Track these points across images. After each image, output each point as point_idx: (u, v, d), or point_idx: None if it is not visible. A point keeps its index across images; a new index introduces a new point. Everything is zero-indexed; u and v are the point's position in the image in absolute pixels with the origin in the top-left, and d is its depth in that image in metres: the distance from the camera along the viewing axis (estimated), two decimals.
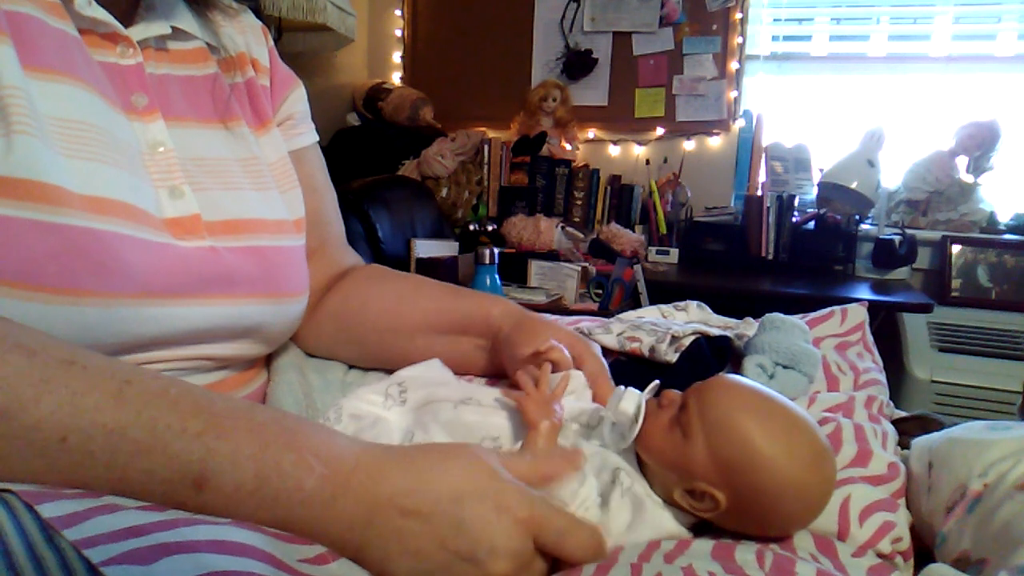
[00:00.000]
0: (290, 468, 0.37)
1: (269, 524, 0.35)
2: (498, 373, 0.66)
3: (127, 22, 0.55)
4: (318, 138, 0.74)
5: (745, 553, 0.41)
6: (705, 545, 0.43)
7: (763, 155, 2.50)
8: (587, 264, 2.17)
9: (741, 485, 0.44)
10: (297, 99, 0.70)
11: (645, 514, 0.45)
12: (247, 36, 0.66)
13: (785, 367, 0.64)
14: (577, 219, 2.56)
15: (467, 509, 0.38)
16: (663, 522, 0.46)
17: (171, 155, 0.54)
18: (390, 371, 0.67)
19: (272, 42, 0.70)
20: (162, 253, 0.49)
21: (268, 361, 0.66)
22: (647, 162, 2.63)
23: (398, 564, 0.38)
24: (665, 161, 2.60)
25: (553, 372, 0.56)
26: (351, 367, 0.70)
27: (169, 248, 0.50)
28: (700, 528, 0.48)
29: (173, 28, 0.58)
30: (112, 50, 0.53)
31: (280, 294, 0.59)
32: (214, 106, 0.60)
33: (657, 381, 0.52)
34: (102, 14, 0.52)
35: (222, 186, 0.57)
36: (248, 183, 0.60)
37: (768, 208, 2.31)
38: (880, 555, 0.46)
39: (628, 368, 0.70)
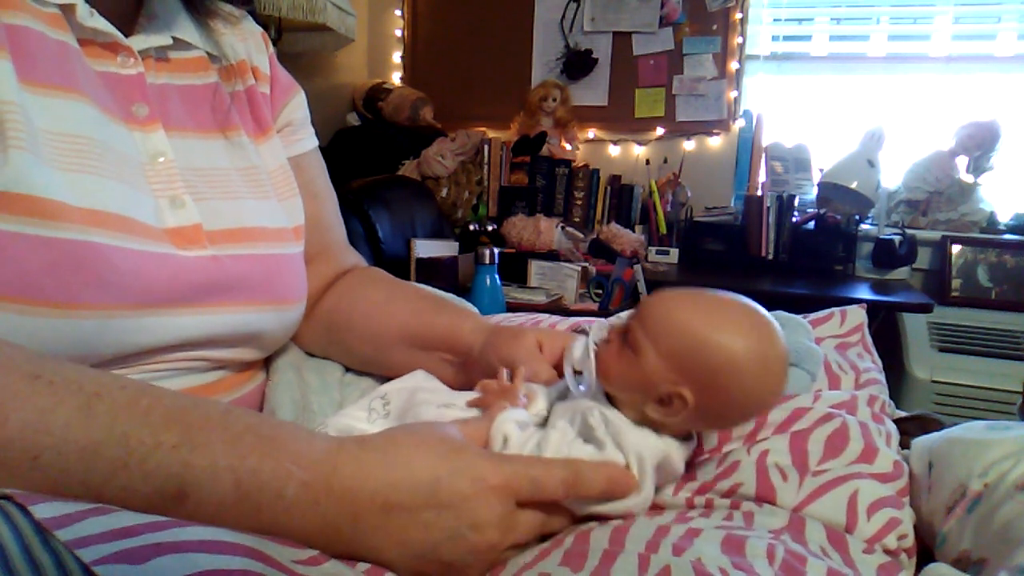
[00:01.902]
0: (269, 477, 0.37)
1: (256, 532, 0.35)
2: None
3: (128, 31, 0.55)
4: (318, 143, 0.74)
5: (755, 548, 0.41)
6: (716, 534, 0.43)
7: (763, 155, 2.50)
8: (587, 264, 2.17)
9: (698, 372, 0.46)
10: (297, 105, 0.70)
11: (626, 437, 0.47)
12: (248, 43, 0.66)
13: (789, 365, 0.64)
14: (577, 219, 2.56)
15: (444, 489, 0.39)
16: (645, 438, 0.48)
17: (172, 165, 0.54)
18: (380, 376, 0.68)
19: (272, 48, 0.70)
20: (162, 263, 0.49)
21: (267, 361, 0.66)
22: (647, 162, 2.62)
23: (389, 554, 0.39)
24: (665, 161, 2.60)
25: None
26: (348, 368, 0.70)
27: (169, 258, 0.50)
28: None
29: (174, 38, 0.58)
30: (112, 60, 0.53)
31: (280, 301, 0.60)
32: (214, 116, 0.60)
33: (603, 320, 0.55)
34: (103, 24, 0.52)
35: (222, 195, 0.57)
36: (248, 192, 0.60)
37: (768, 208, 2.31)
38: (887, 551, 0.46)
39: None
